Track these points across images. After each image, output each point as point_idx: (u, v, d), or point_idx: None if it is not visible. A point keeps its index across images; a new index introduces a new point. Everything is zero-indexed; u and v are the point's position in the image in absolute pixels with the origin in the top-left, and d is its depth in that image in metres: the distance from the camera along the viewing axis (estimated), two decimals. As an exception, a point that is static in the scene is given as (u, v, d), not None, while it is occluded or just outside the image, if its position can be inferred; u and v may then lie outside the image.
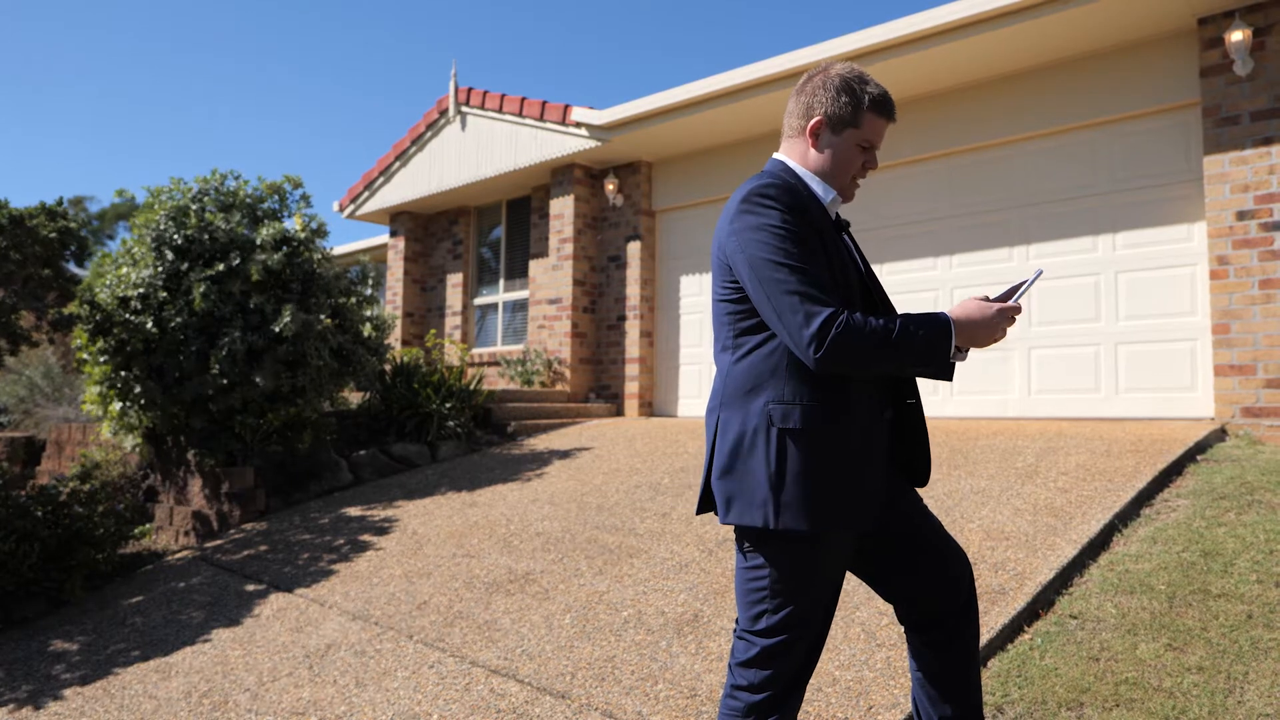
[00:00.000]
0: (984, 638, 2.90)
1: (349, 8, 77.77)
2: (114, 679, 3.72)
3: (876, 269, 7.66)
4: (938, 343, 1.80)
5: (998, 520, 3.95)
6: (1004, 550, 3.59)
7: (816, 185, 1.98)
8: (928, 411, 7.26)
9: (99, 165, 59.68)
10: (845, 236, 2.03)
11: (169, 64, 66.73)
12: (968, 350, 1.86)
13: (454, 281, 11.19)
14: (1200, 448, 4.90)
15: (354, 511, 5.69)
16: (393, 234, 11.73)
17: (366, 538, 5.07)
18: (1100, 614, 3.03)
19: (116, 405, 6.16)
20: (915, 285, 7.46)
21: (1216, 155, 5.78)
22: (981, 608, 3.11)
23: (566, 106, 8.92)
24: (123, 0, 63.11)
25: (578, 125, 8.83)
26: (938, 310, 2.05)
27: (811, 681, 2.78)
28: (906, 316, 1.81)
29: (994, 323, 1.84)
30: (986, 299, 1.88)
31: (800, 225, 1.86)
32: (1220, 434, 5.37)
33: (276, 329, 5.85)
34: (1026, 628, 3.04)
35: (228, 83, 70.03)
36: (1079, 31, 6.21)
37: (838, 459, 1.82)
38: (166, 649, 3.95)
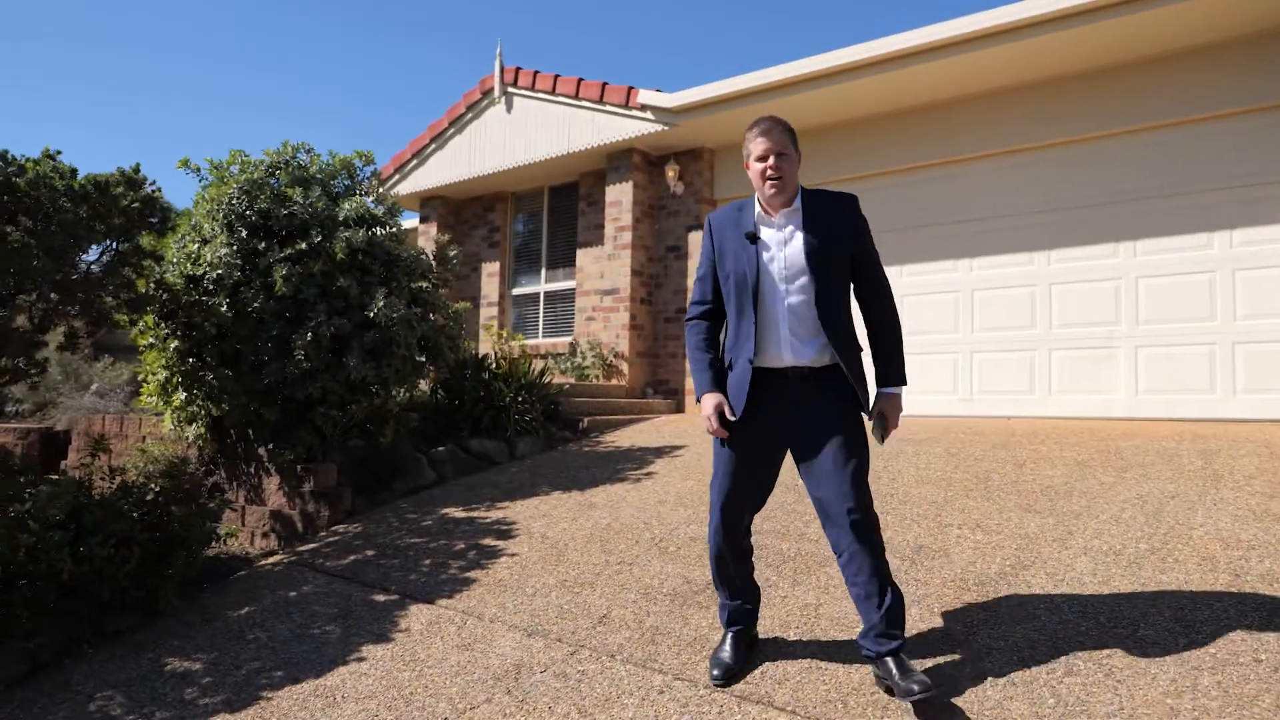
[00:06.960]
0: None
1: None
2: (267, 704, 3.26)
3: (967, 263, 7.40)
4: (696, 376, 2.92)
5: (1221, 527, 3.68)
6: (1263, 561, 3.31)
7: (754, 204, 2.89)
8: (1024, 410, 7.03)
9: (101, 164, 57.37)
10: (784, 238, 2.83)
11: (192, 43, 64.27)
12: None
13: (489, 270, 10.71)
14: (1371, 451, 4.70)
15: (456, 513, 5.25)
16: (423, 219, 11.20)
17: (489, 542, 4.65)
18: None
19: (180, 395, 5.63)
20: (1007, 281, 7.22)
21: (1354, 150, 5.62)
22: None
23: (630, 89, 8.51)
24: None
25: (643, 108, 8.44)
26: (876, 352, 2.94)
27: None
28: (707, 355, 2.91)
29: (705, 407, 2.85)
30: (724, 403, 2.83)
31: (710, 241, 2.94)
32: (1370, 437, 5.19)
33: (370, 314, 5.38)
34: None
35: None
36: (1193, 22, 6.01)
37: (719, 372, 2.89)
38: (315, 669, 3.49)
